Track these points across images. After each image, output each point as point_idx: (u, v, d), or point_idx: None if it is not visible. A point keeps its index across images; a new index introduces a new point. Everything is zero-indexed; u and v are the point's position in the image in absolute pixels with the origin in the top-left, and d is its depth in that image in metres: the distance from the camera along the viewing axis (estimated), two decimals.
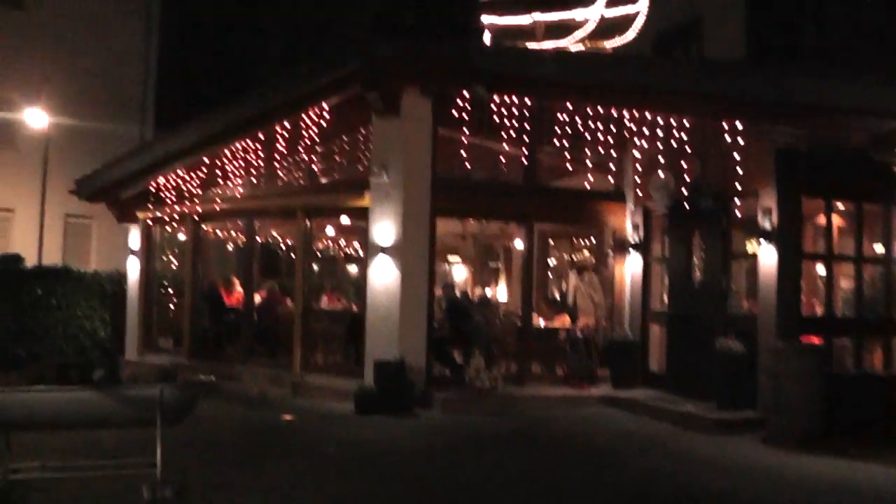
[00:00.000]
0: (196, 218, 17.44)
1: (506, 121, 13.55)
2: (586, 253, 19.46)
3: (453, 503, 8.37)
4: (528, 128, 13.66)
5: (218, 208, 17.03)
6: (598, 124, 13.36)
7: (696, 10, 18.38)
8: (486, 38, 16.68)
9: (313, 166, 15.77)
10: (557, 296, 18.87)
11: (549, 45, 15.66)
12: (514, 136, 13.81)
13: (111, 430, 9.07)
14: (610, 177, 15.54)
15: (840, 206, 13.32)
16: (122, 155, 18.35)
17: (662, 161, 13.59)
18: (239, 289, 17.68)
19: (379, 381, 13.10)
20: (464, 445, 11.04)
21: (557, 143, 13.65)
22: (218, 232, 19.85)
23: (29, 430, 8.14)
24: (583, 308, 15.73)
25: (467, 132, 13.70)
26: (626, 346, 14.87)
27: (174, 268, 19.41)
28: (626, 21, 16.05)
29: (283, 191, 16.43)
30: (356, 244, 22.26)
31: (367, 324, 14.09)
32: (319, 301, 17.72)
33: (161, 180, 17.44)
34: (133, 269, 18.91)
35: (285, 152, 15.54)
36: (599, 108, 13.18)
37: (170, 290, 19.23)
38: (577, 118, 13.35)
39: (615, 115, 13.03)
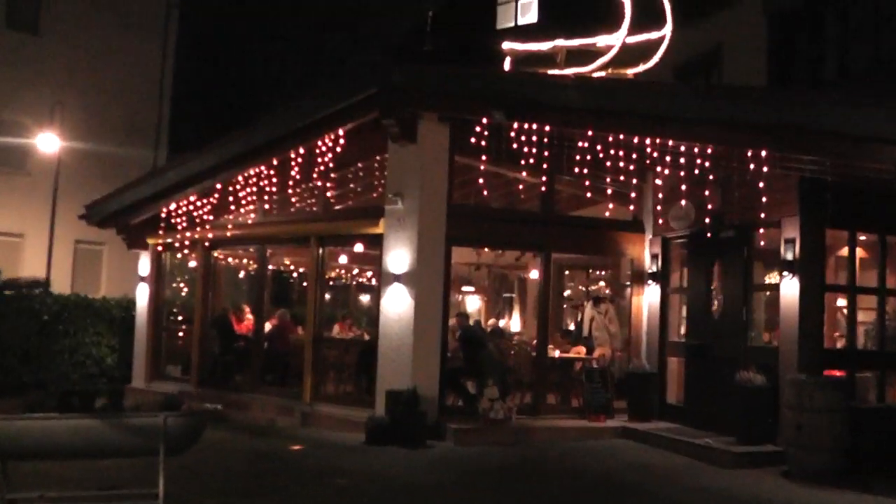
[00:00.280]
0: (207, 244, 17.27)
1: (524, 148, 13.28)
2: (602, 283, 19.24)
3: None
4: (546, 155, 13.40)
5: (229, 235, 16.82)
6: (619, 152, 13.08)
7: (716, 38, 18.29)
8: (507, 64, 16.48)
9: (327, 193, 15.58)
10: (573, 326, 18.63)
11: (570, 71, 15.44)
12: (532, 163, 13.57)
13: (113, 459, 8.82)
14: (629, 206, 15.31)
15: (863, 237, 13.06)
16: (133, 181, 18.24)
17: (683, 189, 13.34)
18: (249, 316, 17.47)
19: (390, 412, 12.86)
20: (477, 479, 10.77)
21: (577, 171, 13.41)
22: (229, 259, 19.67)
23: (25, 459, 7.91)
24: (599, 339, 15.58)
25: (485, 159, 13.50)
26: (644, 378, 14.58)
27: (184, 294, 19.24)
28: (649, 47, 15.84)
29: (296, 217, 16.27)
30: (369, 272, 22.12)
31: (380, 353, 13.85)
32: (331, 330, 17.49)
33: (172, 206, 17.27)
34: (142, 296, 18.70)
35: (299, 178, 15.33)
36: (620, 135, 12.90)
37: (179, 318, 19.03)
38: (597, 146, 13.08)
39: (636, 142, 12.76)
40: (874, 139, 10.55)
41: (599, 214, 15.20)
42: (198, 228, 17.01)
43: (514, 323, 21.70)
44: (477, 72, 14.61)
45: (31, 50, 23.65)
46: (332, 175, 15.20)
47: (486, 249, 17.75)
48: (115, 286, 22.52)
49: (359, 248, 16.96)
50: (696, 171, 12.80)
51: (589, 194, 14.40)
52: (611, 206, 14.85)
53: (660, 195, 14.66)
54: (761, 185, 12.14)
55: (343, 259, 20.36)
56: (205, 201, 16.74)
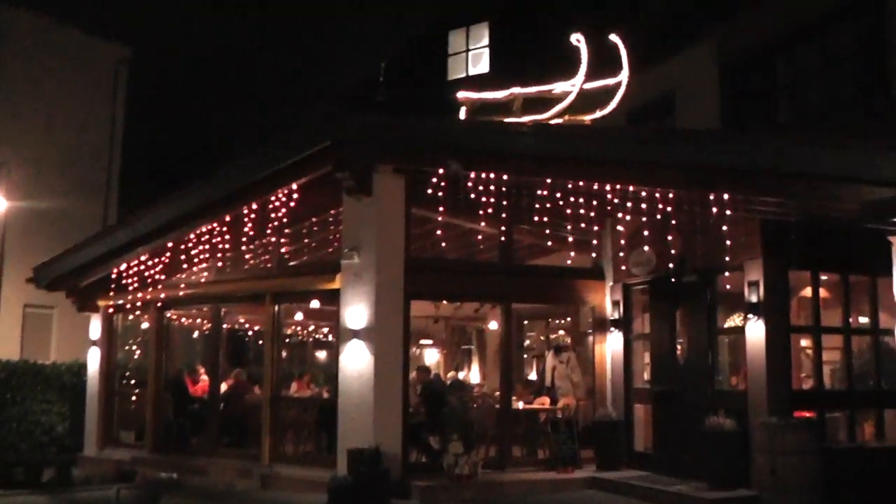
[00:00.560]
0: (160, 305, 16.87)
1: (482, 198, 13.11)
2: (562, 332, 19.08)
3: None
4: (505, 204, 13.26)
5: (183, 294, 16.42)
6: (578, 199, 12.97)
7: (668, 85, 18.35)
8: (462, 113, 16.36)
9: (282, 249, 15.34)
10: (534, 376, 18.44)
11: (527, 119, 15.34)
12: (491, 213, 13.42)
13: None
14: (590, 253, 15.20)
15: (825, 277, 13.09)
16: (82, 241, 17.74)
17: (645, 235, 13.24)
18: (204, 377, 17.00)
19: (353, 471, 12.49)
20: None
21: (536, 220, 13.27)
22: (183, 319, 19.30)
23: None
24: (562, 388, 15.42)
25: (442, 210, 13.32)
26: (610, 426, 14.40)
27: (137, 357, 18.78)
28: (606, 93, 15.80)
29: (250, 274, 15.93)
30: (326, 328, 21.80)
31: (340, 410, 13.52)
32: (289, 388, 17.11)
33: (123, 266, 16.81)
34: (93, 360, 18.14)
35: (253, 234, 15.04)
36: (579, 181, 12.78)
37: (132, 381, 18.51)
38: (556, 193, 12.94)
39: (595, 188, 12.65)
40: (837, 178, 10.49)
41: (559, 263, 15.08)
42: (150, 288, 16.58)
43: (473, 375, 21.52)
44: (432, 122, 14.44)
45: None
46: (287, 230, 14.96)
47: (445, 302, 17.53)
48: (66, 351, 21.88)
49: (315, 304, 16.72)
50: (658, 217, 12.74)
51: (549, 242, 14.31)
52: (572, 253, 14.72)
53: (621, 241, 14.59)
54: (724, 228, 12.10)
55: (299, 316, 20.09)
56: (156, 260, 16.33)
